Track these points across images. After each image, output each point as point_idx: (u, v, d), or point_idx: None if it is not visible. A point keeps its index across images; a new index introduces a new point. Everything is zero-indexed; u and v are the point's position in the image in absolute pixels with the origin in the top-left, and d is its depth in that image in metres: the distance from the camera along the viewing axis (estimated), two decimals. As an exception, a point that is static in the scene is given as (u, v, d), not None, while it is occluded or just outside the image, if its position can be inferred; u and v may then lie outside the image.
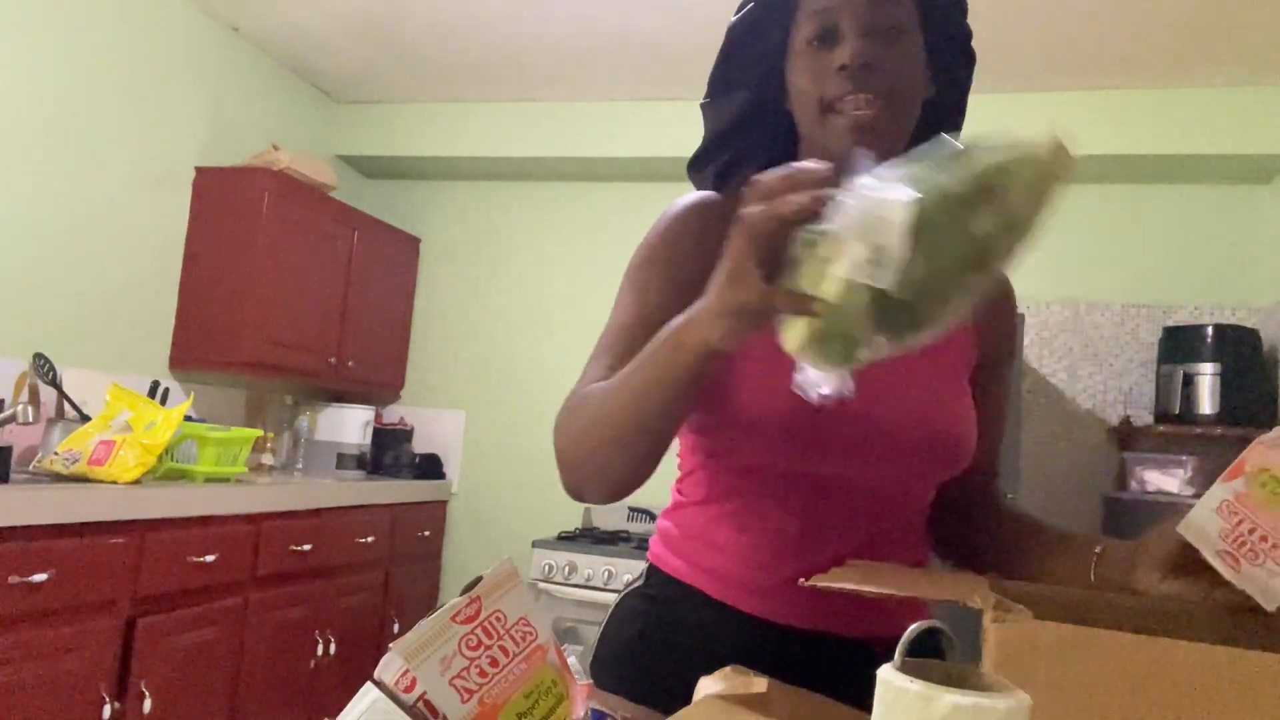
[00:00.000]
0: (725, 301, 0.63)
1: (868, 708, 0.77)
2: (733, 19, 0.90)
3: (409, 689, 0.62)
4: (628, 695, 0.88)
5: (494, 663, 0.63)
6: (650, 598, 0.95)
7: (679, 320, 0.70)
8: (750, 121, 0.91)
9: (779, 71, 0.87)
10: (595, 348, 0.90)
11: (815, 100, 0.82)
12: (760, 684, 0.67)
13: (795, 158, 0.89)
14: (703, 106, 0.95)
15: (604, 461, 0.81)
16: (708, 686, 0.70)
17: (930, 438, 0.86)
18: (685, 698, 0.79)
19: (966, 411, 0.90)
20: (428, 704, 0.62)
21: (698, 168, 0.96)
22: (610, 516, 3.72)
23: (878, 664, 0.76)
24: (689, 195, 0.93)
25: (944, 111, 0.91)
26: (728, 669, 0.72)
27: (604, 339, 0.90)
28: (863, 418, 0.83)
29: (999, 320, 0.96)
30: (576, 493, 0.86)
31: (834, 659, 0.85)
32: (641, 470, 0.81)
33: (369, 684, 0.64)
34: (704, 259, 0.78)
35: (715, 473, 0.92)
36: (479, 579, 0.66)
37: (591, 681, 0.71)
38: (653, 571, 0.97)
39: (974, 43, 0.93)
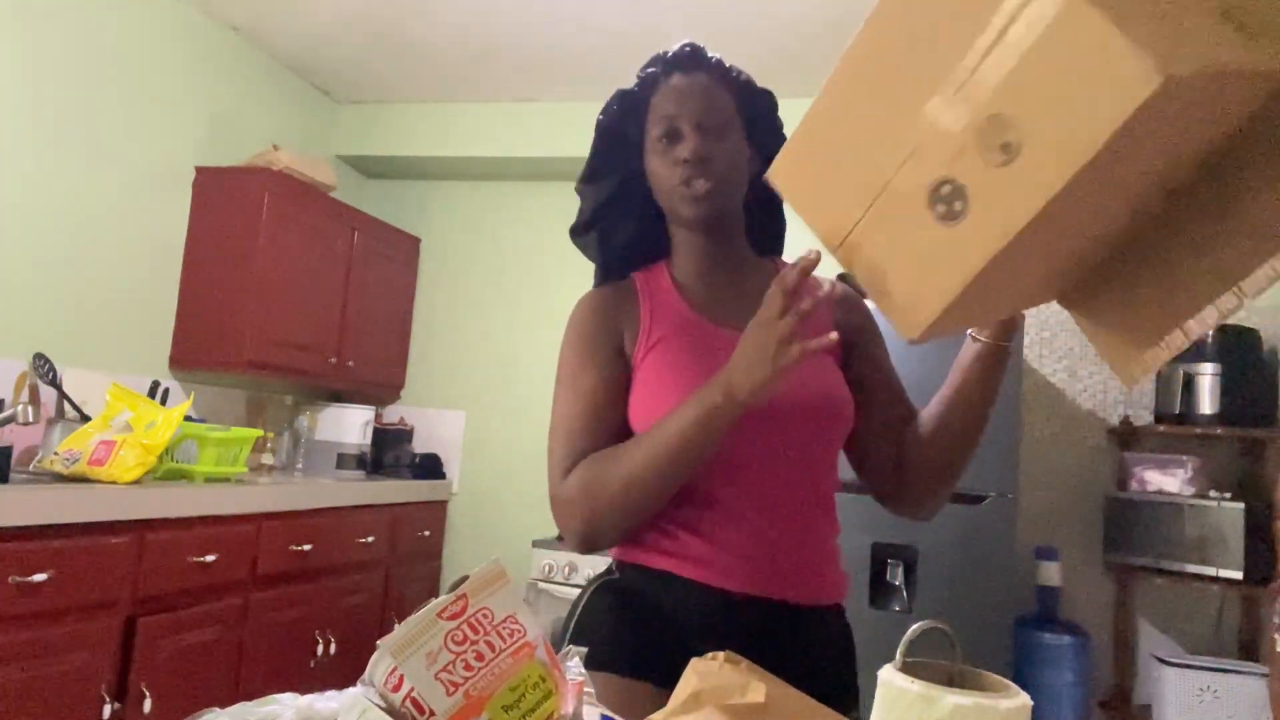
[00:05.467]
0: (761, 373, 0.90)
1: (797, 655, 1.05)
2: (600, 117, 1.18)
3: (396, 688, 0.63)
4: (610, 670, 1.04)
5: (480, 657, 0.64)
6: (620, 588, 1.13)
7: (713, 391, 0.95)
8: (618, 199, 1.19)
9: (638, 159, 1.16)
10: (554, 440, 1.12)
11: (666, 182, 1.11)
12: (759, 691, 0.67)
13: (658, 224, 1.20)
14: (578, 190, 1.21)
15: (636, 510, 1.04)
16: (699, 670, 0.70)
17: (817, 397, 1.10)
18: (660, 665, 1.01)
19: (838, 379, 1.13)
20: (415, 702, 0.62)
21: (580, 234, 1.22)
22: (610, 516, 3.72)
23: (806, 624, 1.07)
24: (585, 296, 1.20)
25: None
26: (720, 655, 0.72)
27: (561, 431, 1.11)
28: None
29: (849, 317, 1.21)
30: (594, 545, 1.08)
31: (771, 617, 1.06)
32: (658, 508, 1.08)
33: (356, 694, 0.64)
34: (612, 337, 1.14)
35: None
36: (465, 577, 0.66)
37: (583, 679, 0.71)
38: (620, 566, 1.15)
39: None
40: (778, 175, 0.76)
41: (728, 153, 1.11)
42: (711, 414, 0.96)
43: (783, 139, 1.15)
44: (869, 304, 1.15)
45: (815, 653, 1.08)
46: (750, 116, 1.16)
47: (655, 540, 1.10)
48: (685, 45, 1.15)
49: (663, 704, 0.98)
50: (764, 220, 1.24)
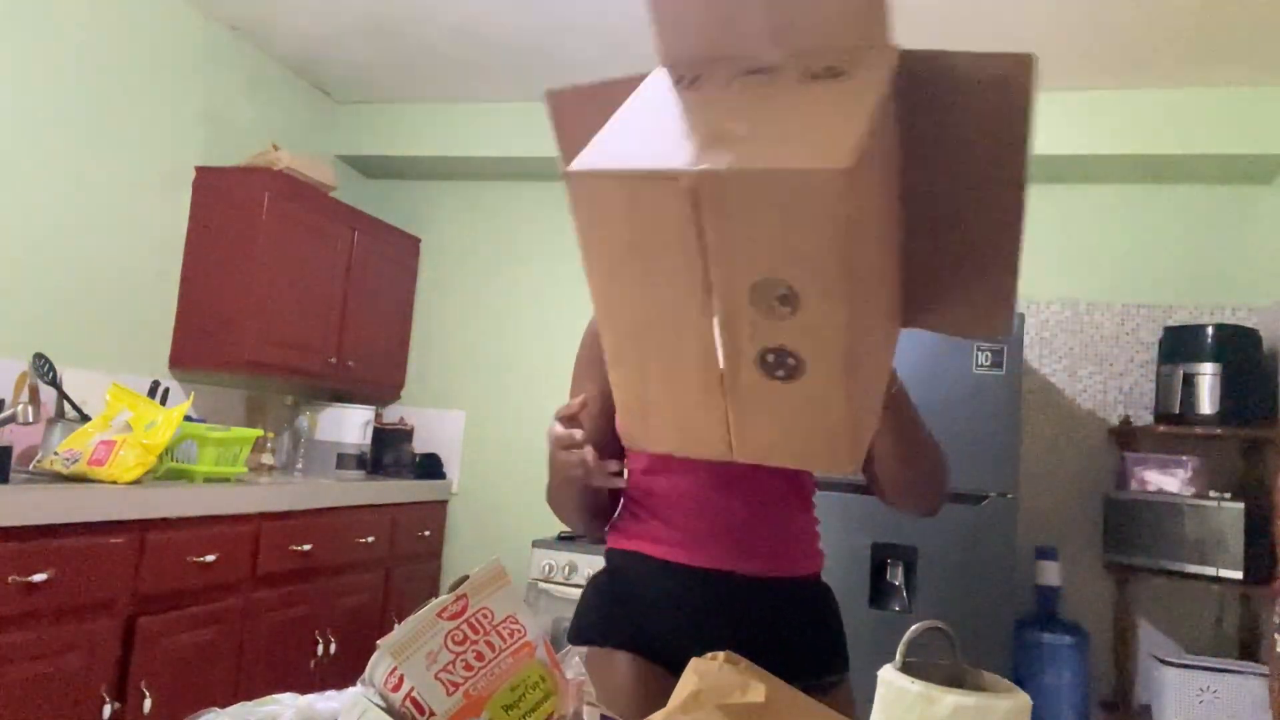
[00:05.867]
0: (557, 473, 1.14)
1: (771, 623, 1.17)
2: None
3: (396, 688, 0.63)
4: (599, 643, 1.18)
5: (479, 657, 0.64)
6: (608, 571, 1.28)
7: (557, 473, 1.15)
8: None
9: None
10: None
11: None
12: (758, 691, 0.67)
13: None
14: None
15: (581, 514, 1.27)
16: (699, 670, 0.70)
17: None
18: (636, 636, 1.17)
19: None
20: (415, 701, 0.62)
21: None
22: (610, 516, 3.72)
23: (773, 594, 1.19)
24: None
25: None
26: (720, 655, 0.72)
27: None
28: None
29: None
30: (574, 532, 1.32)
31: (740, 591, 1.18)
32: (598, 517, 1.28)
33: (356, 694, 0.64)
34: None
35: (634, 464, 1.28)
36: (465, 577, 0.66)
37: (583, 679, 0.71)
38: (608, 554, 1.30)
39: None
40: (635, 441, 0.78)
41: None
42: (569, 482, 1.16)
43: None
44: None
45: (789, 620, 1.20)
46: None
47: (628, 525, 1.27)
48: None
49: (640, 672, 1.15)
50: None
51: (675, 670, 1.10)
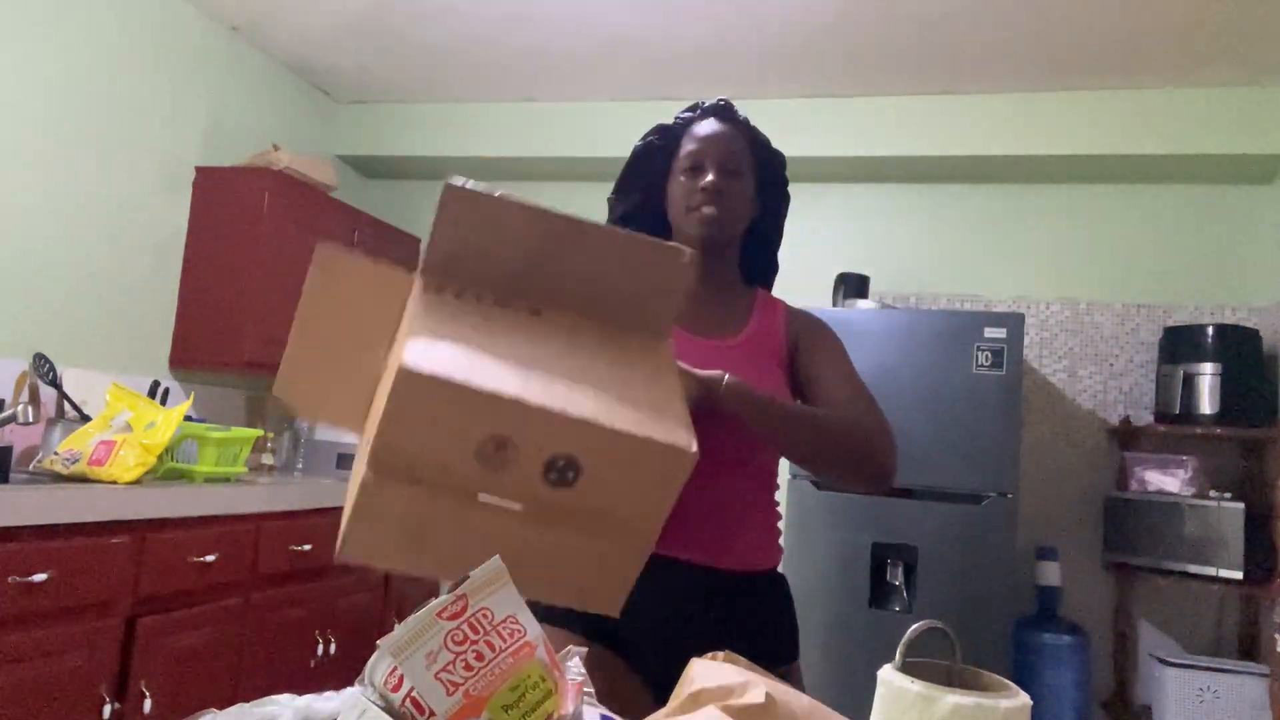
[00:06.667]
0: None
1: (706, 616, 1.20)
2: (637, 144, 1.40)
3: (396, 688, 0.63)
4: (546, 622, 1.16)
5: (479, 657, 0.64)
6: None
7: None
8: (639, 213, 1.41)
9: (662, 184, 1.39)
10: None
11: (683, 205, 1.34)
12: (758, 691, 0.67)
13: (670, 236, 1.38)
14: (609, 200, 1.45)
15: None
16: (699, 670, 0.70)
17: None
18: (589, 618, 1.11)
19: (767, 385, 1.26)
20: (415, 702, 0.62)
21: None
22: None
23: (718, 585, 1.23)
24: None
25: (768, 224, 1.43)
26: (720, 655, 0.72)
27: None
28: None
29: (795, 326, 1.41)
30: None
31: (686, 579, 1.22)
32: None
33: (356, 694, 0.64)
34: None
35: None
36: (465, 577, 0.66)
37: (583, 679, 0.71)
38: None
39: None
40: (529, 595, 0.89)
41: (738, 192, 1.34)
42: None
43: (786, 195, 1.44)
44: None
45: (732, 612, 1.22)
46: (761, 170, 1.39)
47: None
48: (721, 100, 1.38)
49: (586, 654, 1.12)
50: (756, 256, 1.46)
51: (622, 652, 1.19)
